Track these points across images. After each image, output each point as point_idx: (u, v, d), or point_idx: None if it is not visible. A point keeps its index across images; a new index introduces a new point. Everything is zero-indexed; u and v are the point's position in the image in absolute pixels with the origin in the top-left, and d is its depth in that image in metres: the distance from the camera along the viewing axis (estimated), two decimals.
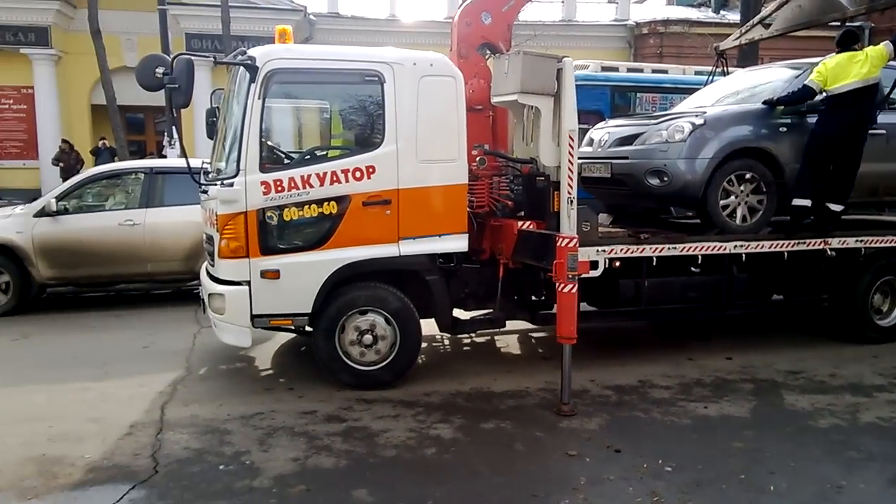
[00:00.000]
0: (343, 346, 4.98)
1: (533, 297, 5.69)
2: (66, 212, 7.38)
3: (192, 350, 6.07)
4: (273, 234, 4.78)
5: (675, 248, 5.44)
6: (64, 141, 17.20)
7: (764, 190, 5.66)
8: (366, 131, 5.17)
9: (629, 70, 10.71)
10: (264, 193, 4.69)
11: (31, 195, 14.67)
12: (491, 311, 5.52)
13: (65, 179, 15.93)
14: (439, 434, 4.27)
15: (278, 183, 4.71)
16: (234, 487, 3.60)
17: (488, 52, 5.88)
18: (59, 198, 7.43)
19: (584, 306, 5.41)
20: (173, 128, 14.22)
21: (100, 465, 3.87)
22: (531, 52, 5.22)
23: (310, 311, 4.87)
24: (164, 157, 14.43)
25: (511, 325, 5.67)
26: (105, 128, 17.49)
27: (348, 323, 4.97)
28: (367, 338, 4.97)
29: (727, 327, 6.48)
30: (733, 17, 18.88)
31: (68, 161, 16.57)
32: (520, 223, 5.25)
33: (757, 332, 6.60)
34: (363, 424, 4.42)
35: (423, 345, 5.39)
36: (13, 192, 17.31)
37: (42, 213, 7.31)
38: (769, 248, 5.69)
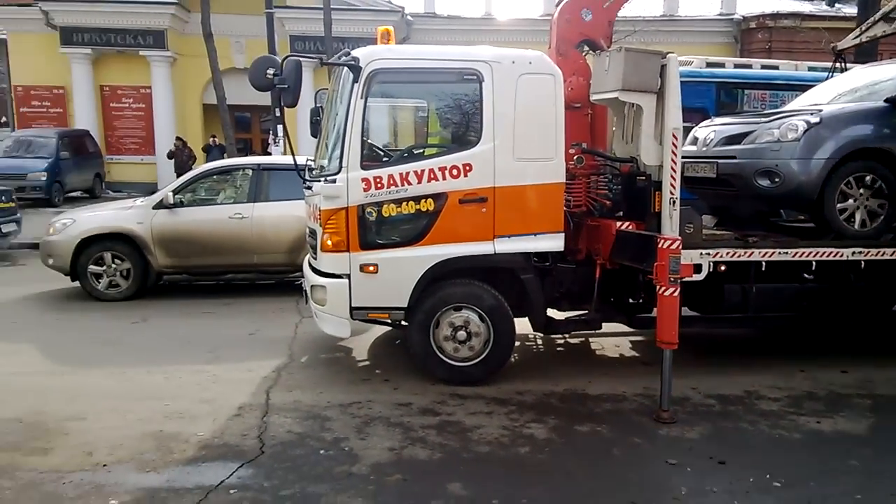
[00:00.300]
0: (437, 342, 5.05)
1: (631, 300, 5.57)
2: (181, 205, 7.87)
3: (294, 339, 6.34)
4: (372, 230, 4.91)
5: (787, 252, 5.16)
6: (178, 138, 18.33)
7: (885, 193, 5.28)
8: (463, 129, 5.21)
9: (736, 66, 10.24)
10: (364, 190, 4.82)
11: (148, 188, 15.75)
12: (586, 312, 5.44)
13: (178, 174, 16.99)
14: (533, 433, 4.26)
15: (378, 180, 4.84)
16: (334, 472, 3.74)
17: (587, 48, 5.80)
18: (175, 191, 7.93)
19: (685, 311, 5.24)
20: (279, 126, 14.90)
21: (211, 443, 4.12)
22: (633, 48, 5.11)
23: (406, 305, 4.98)
24: (269, 154, 15.08)
25: (607, 327, 5.57)
26: (215, 126, 18.51)
27: (443, 318, 5.04)
28: (461, 334, 5.03)
29: (843, 339, 6.09)
30: (849, 10, 17.70)
31: (181, 157, 17.64)
32: (618, 223, 5.15)
33: (875, 345, 6.17)
34: (457, 419, 4.47)
35: (516, 343, 5.38)
36: (131, 186, 18.67)
37: (160, 205, 7.83)
38: (891, 255, 5.30)
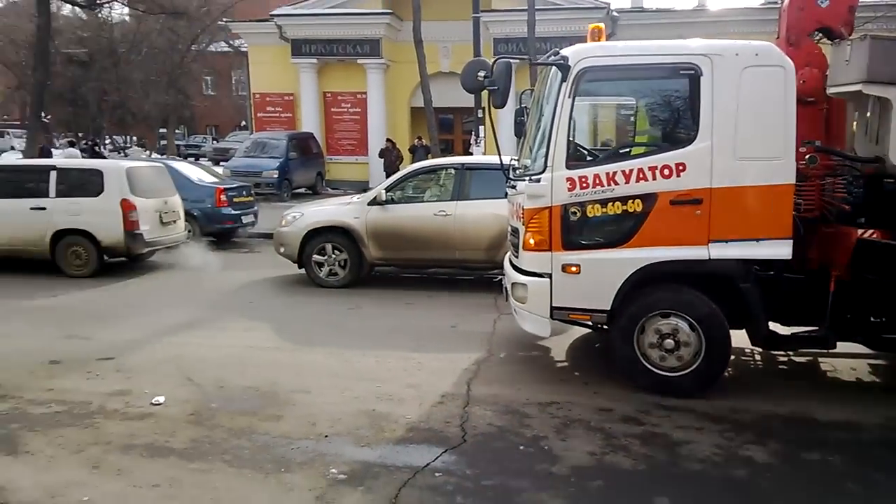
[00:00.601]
0: (641, 348, 4.87)
1: (873, 318, 4.91)
2: (392, 202, 8.40)
3: (493, 334, 6.48)
4: (575, 230, 4.84)
5: None
6: (388, 139, 19.63)
7: None
8: (676, 127, 4.96)
9: None
10: (569, 189, 4.77)
11: (360, 186, 17.04)
12: (817, 328, 4.89)
13: (387, 173, 18.19)
14: (751, 456, 3.94)
15: (583, 179, 4.76)
16: (535, 469, 3.76)
17: (822, 37, 5.23)
18: (387, 189, 8.48)
19: None
20: (480, 127, 15.32)
21: (417, 426, 4.35)
22: (881, 35, 4.52)
23: (608, 308, 4.85)
24: (471, 154, 15.56)
25: (841, 346, 4.96)
26: (421, 127, 19.53)
27: (648, 325, 4.84)
28: (669, 342, 4.79)
29: None
30: None
31: (390, 157, 18.86)
32: (860, 231, 4.58)
33: None
34: (663, 431, 4.28)
35: (731, 357, 5.00)
36: (346, 183, 20.33)
37: (374, 202, 8.41)
38: None
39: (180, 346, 6.05)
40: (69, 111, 35.37)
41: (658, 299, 4.83)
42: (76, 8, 31.80)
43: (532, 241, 4.93)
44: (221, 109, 44.16)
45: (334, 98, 21.74)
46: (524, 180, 5.01)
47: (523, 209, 5.00)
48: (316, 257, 8.54)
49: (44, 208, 9.01)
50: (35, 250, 9.12)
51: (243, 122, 37.44)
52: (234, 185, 12.48)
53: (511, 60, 4.89)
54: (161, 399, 4.72)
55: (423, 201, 8.59)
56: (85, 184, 9.15)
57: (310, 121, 21.25)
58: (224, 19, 31.09)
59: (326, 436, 4.19)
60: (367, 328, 6.74)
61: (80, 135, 31.87)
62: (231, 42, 36.35)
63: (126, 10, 33.59)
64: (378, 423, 4.39)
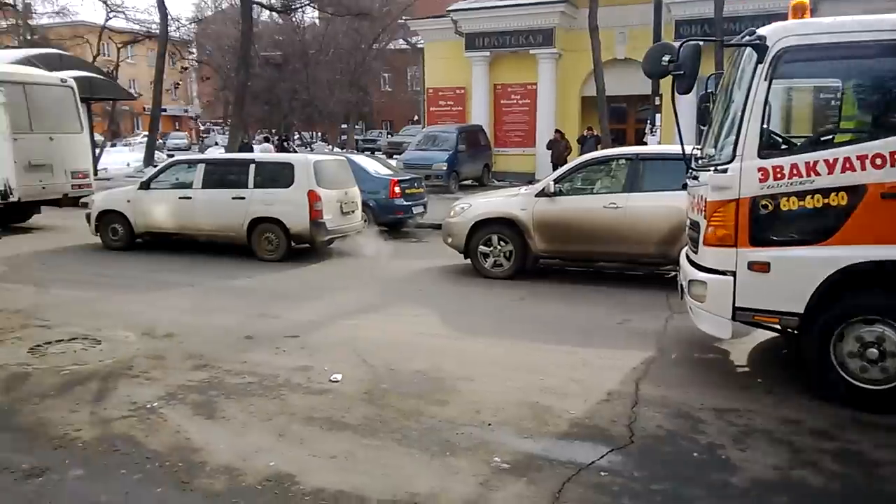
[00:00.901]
0: (838, 357, 4.37)
1: None
2: (560, 193, 8.27)
3: (664, 333, 6.17)
4: (766, 225, 4.44)
5: None
6: (557, 130, 19.39)
7: None
8: (893, 112, 4.37)
9: None
10: (761, 180, 4.39)
11: (526, 178, 17.01)
12: None
13: (554, 165, 18.01)
14: None
15: (778, 170, 4.35)
16: (710, 478, 3.52)
17: None
18: (556, 181, 8.37)
19: None
20: (657, 116, 14.64)
21: (581, 422, 4.25)
22: None
23: (801, 311, 4.40)
24: (645, 143, 14.93)
25: None
26: (591, 118, 19.07)
27: (848, 331, 4.33)
28: (872, 352, 4.26)
29: None
30: None
31: (558, 148, 18.62)
32: None
33: None
34: (860, 449, 3.82)
35: None
36: (512, 175, 20.42)
37: (542, 193, 8.34)
38: None
39: (355, 328, 6.42)
40: (264, 109, 38.99)
41: (861, 304, 4.31)
42: (273, 14, 34.89)
43: (715, 236, 4.61)
44: (397, 105, 46.35)
45: (504, 90, 21.88)
46: (708, 171, 4.70)
47: (706, 201, 4.69)
48: (482, 248, 8.65)
49: (243, 198, 9.96)
50: (234, 236, 10.14)
51: (416, 117, 39.00)
52: (407, 177, 13.00)
53: (699, 43, 4.58)
54: (339, 377, 5.04)
55: (592, 193, 8.38)
56: (278, 176, 9.98)
57: (479, 113, 21.58)
58: (403, 18, 32.53)
59: (490, 424, 4.22)
60: (531, 320, 6.71)
61: (272, 131, 35.00)
62: (408, 39, 38.01)
63: (316, 13, 36.33)
64: (541, 415, 4.35)
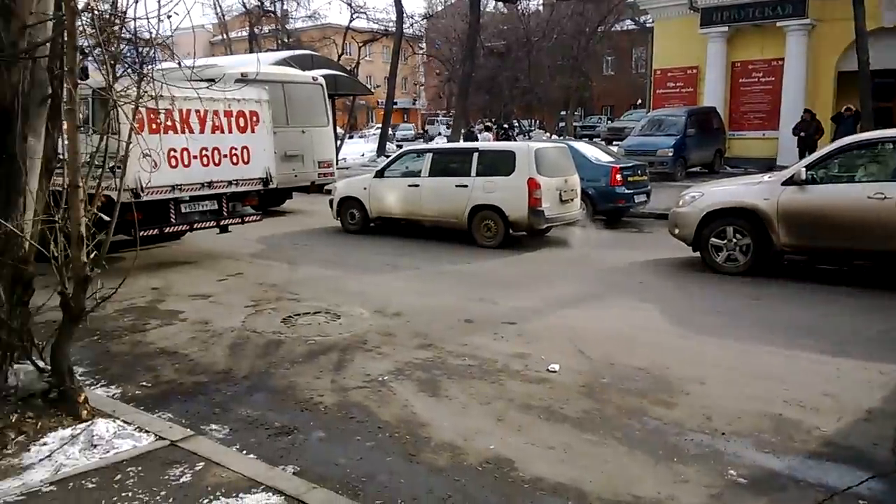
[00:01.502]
0: None
1: None
2: (813, 181, 7.33)
3: None
4: None
5: None
6: (806, 111, 17.28)
7: None
8: None
9: None
10: None
11: (766, 164, 15.41)
12: None
13: (801, 149, 16.11)
14: None
15: None
16: None
17: None
18: (808, 167, 7.43)
19: None
20: None
21: (834, 442, 3.74)
22: None
23: None
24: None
25: None
26: (849, 95, 16.72)
27: None
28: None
29: None
30: None
31: (808, 130, 16.60)
32: None
33: None
34: None
35: None
36: (749, 161, 18.68)
37: (790, 181, 7.45)
38: None
39: (571, 317, 6.29)
40: (485, 98, 39.99)
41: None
42: (499, 4, 35.67)
43: None
44: (618, 89, 44.82)
45: (744, 67, 19.97)
46: None
47: None
48: (714, 240, 7.99)
49: (466, 185, 10.28)
50: (455, 222, 10.51)
51: (639, 101, 37.35)
52: (630, 164, 12.45)
53: None
54: (556, 367, 4.97)
55: (854, 181, 7.31)
56: (499, 164, 10.13)
57: (713, 94, 19.97)
58: None
59: (724, 433, 3.86)
60: (771, 322, 6.04)
61: (493, 120, 35.84)
62: (636, 19, 36.49)
63: (541, 0, 36.43)
64: (785, 429, 3.89)
